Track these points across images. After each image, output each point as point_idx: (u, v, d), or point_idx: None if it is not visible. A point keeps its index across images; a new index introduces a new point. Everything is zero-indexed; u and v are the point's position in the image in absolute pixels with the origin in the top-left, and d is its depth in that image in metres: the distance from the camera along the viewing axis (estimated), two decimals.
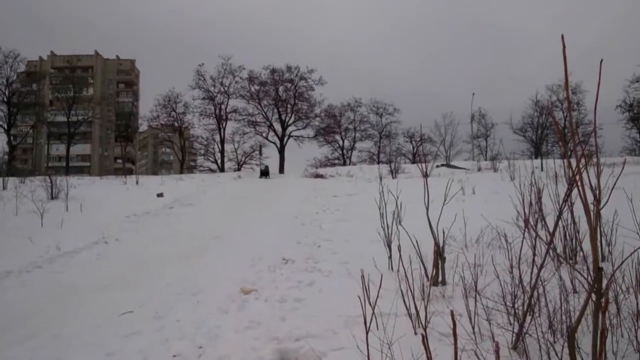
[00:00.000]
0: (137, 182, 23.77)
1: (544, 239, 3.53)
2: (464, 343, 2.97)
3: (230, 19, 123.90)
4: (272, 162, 46.96)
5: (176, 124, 48.99)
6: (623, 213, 4.76)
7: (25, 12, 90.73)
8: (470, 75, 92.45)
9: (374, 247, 6.49)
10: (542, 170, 16.78)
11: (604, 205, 3.34)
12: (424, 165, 5.87)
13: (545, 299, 3.18)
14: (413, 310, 3.76)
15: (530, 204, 4.86)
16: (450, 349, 2.70)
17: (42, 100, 53.47)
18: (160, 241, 10.43)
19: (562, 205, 3.11)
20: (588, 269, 2.60)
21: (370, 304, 3.10)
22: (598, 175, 3.47)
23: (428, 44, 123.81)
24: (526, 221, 4.14)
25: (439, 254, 5.01)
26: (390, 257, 5.95)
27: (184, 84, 76.45)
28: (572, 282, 3.88)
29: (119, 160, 65.06)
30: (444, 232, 5.25)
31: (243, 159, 49.76)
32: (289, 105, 49.24)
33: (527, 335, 2.98)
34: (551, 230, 3.02)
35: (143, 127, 56.89)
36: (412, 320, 3.77)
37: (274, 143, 48.90)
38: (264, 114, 49.14)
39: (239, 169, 46.19)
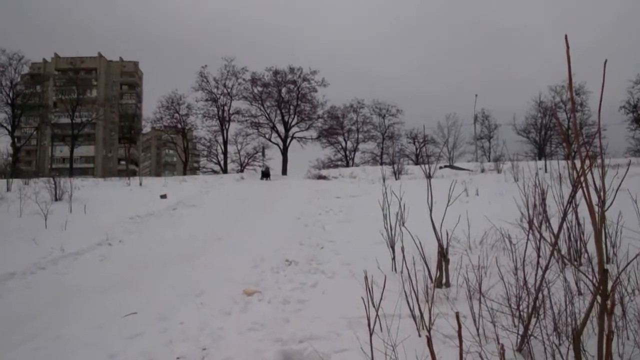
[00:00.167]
0: (140, 184, 23.82)
1: (549, 240, 3.52)
2: (468, 345, 2.96)
3: (231, 20, 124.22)
4: (275, 164, 47.04)
5: (179, 126, 49.04)
6: (628, 214, 4.75)
7: (29, 15, 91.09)
8: (472, 76, 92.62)
9: (377, 248, 6.48)
10: (545, 171, 16.71)
11: (609, 207, 3.33)
12: (427, 166, 5.86)
13: (550, 301, 3.16)
14: (417, 312, 3.75)
15: (535, 205, 4.85)
16: (454, 351, 2.69)
17: (46, 102, 53.62)
18: (164, 242, 10.44)
19: (566, 206, 3.10)
20: (593, 270, 2.58)
21: (374, 306, 3.09)
22: (602, 177, 3.46)
23: (428, 45, 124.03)
24: (530, 222, 4.13)
25: (443, 255, 5.00)
26: (393, 258, 5.94)
27: (186, 86, 76.83)
28: (577, 283, 3.86)
29: (123, 162, 65.24)
30: (447, 234, 5.24)
31: (246, 161, 49.83)
32: (291, 107, 49.23)
33: (532, 338, 2.97)
34: (555, 231, 3.01)
35: (146, 128, 57.07)
36: (416, 322, 3.76)
37: (277, 144, 48.92)
38: (266, 115, 49.20)
39: (241, 171, 46.24)
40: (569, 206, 3.15)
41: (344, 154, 52.99)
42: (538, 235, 3.63)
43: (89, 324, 5.11)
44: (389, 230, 6.09)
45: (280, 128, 49.26)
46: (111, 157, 70.92)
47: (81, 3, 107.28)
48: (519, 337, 3.05)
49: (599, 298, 2.34)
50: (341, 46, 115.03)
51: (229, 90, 48.42)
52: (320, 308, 4.79)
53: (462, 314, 3.05)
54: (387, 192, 6.12)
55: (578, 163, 2.59)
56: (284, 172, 44.94)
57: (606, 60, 2.45)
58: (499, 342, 2.96)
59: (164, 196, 18.27)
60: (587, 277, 2.73)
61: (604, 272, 2.30)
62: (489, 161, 35.56)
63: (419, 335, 3.64)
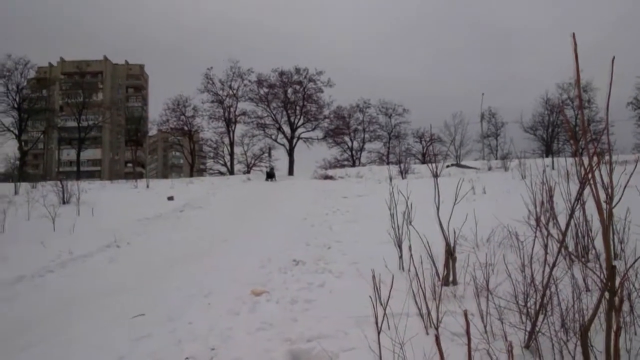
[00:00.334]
0: (147, 186, 23.94)
1: (556, 237, 3.52)
2: (476, 342, 2.97)
3: (232, 22, 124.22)
4: (282, 164, 47.15)
5: (185, 128, 49.27)
6: (635, 211, 4.73)
7: (34, 19, 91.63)
8: (477, 75, 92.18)
9: (384, 247, 6.48)
10: (553, 168, 16.67)
11: (617, 204, 3.32)
12: (434, 165, 5.86)
13: (558, 297, 3.16)
14: (425, 310, 3.75)
15: (542, 202, 4.85)
16: (462, 348, 2.70)
17: (52, 105, 54.09)
18: (171, 244, 10.48)
19: (574, 203, 3.09)
20: (601, 267, 2.58)
21: (381, 304, 3.10)
22: (610, 173, 3.44)
23: (430, 45, 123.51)
24: (538, 220, 4.13)
25: (450, 253, 5.00)
26: (400, 257, 5.94)
27: (192, 88, 76.94)
28: (584, 280, 3.86)
29: (130, 164, 65.55)
30: (454, 232, 5.24)
31: (252, 162, 50.03)
32: (297, 107, 49.31)
33: (539, 334, 2.97)
34: (563, 229, 3.00)
35: (153, 131, 57.27)
36: (423, 320, 3.77)
37: (283, 145, 49.04)
38: (272, 116, 49.29)
39: (248, 172, 46.38)
40: (577, 203, 3.15)
41: (350, 153, 52.99)
42: (545, 233, 3.62)
43: (97, 326, 5.15)
44: (396, 229, 6.09)
45: (287, 129, 49.38)
46: (118, 160, 71.24)
47: (86, 7, 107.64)
48: (527, 333, 3.05)
49: (606, 294, 2.35)
50: (342, 47, 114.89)
51: (234, 91, 48.67)
52: (328, 307, 4.80)
53: (470, 311, 3.06)
54: (394, 191, 6.13)
55: (586, 160, 2.59)
56: (291, 172, 45.02)
57: (614, 57, 2.45)
58: (506, 339, 2.96)
59: (171, 198, 18.36)
60: (595, 273, 2.72)
61: (611, 269, 2.30)
62: (496, 159, 35.41)
63: (427, 333, 3.64)
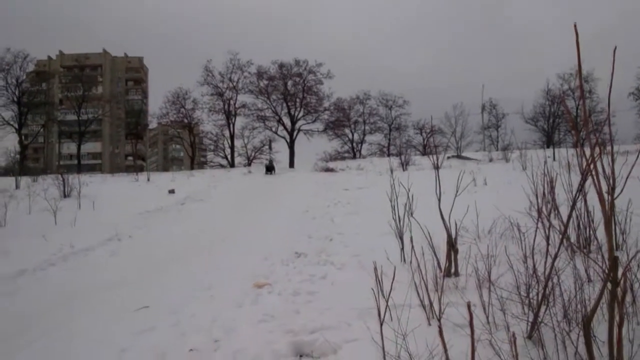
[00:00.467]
0: (148, 179, 23.96)
1: (558, 228, 3.52)
2: (478, 333, 2.97)
3: (231, 14, 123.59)
4: (282, 157, 47.06)
5: (185, 121, 49.14)
6: (637, 201, 4.73)
7: (33, 13, 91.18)
8: (477, 67, 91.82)
9: (386, 239, 6.49)
10: (554, 159, 16.65)
11: (619, 195, 3.32)
12: (434, 156, 5.85)
13: (560, 288, 3.17)
14: (427, 302, 3.76)
15: (543, 194, 4.84)
16: (464, 339, 2.70)
17: (52, 99, 53.88)
18: (173, 237, 10.51)
19: (576, 194, 3.09)
20: (603, 257, 2.58)
21: (383, 296, 3.11)
22: (612, 164, 3.44)
23: (431, 38, 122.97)
24: (539, 211, 4.13)
25: (452, 245, 5.01)
26: (402, 249, 5.95)
27: (191, 81, 76.66)
28: (586, 271, 3.86)
29: (130, 158, 65.52)
30: (456, 224, 5.24)
31: (253, 154, 49.89)
32: (297, 99, 49.14)
33: (542, 325, 2.98)
34: (565, 220, 3.00)
35: (153, 124, 57.12)
36: (425, 312, 3.78)
37: (284, 137, 48.90)
38: (273, 108, 49.12)
39: (249, 164, 46.33)
40: (579, 194, 3.15)
41: (350, 146, 52.85)
42: (547, 224, 3.62)
43: (100, 319, 5.17)
44: (398, 221, 6.10)
45: (287, 121, 49.23)
46: (118, 153, 71.19)
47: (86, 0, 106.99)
48: (529, 324, 3.06)
49: (609, 285, 2.35)
50: (342, 38, 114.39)
51: (234, 84, 48.45)
52: (330, 299, 4.82)
53: (472, 302, 3.06)
54: (394, 183, 6.12)
55: (587, 150, 2.58)
56: (291, 165, 44.95)
57: (616, 47, 2.44)
58: (509, 330, 2.97)
59: (172, 191, 18.38)
60: (597, 264, 2.73)
61: (614, 260, 2.30)
62: (497, 150, 35.38)
63: (429, 325, 3.65)
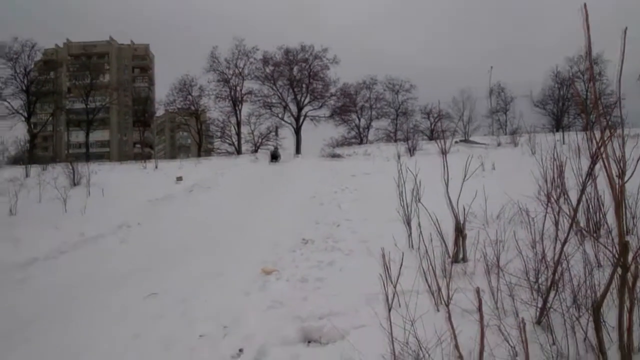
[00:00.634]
0: (156, 167, 24.03)
1: (567, 213, 3.49)
2: (487, 319, 2.96)
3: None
4: (289, 143, 47.01)
5: (192, 108, 49.18)
6: None
7: (40, 1, 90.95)
8: (484, 50, 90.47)
9: (394, 225, 6.47)
10: (563, 143, 16.48)
11: (629, 179, 3.27)
12: (442, 141, 5.80)
13: (570, 273, 3.14)
14: (435, 288, 3.76)
15: (553, 178, 4.79)
16: (473, 325, 2.70)
17: (60, 88, 53.97)
18: (181, 224, 10.56)
19: (585, 178, 3.05)
20: (613, 242, 2.56)
21: (391, 282, 3.11)
22: (622, 147, 3.38)
23: (436, 20, 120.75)
24: (548, 196, 4.09)
25: (460, 230, 4.99)
26: (410, 235, 5.93)
27: (198, 68, 76.34)
28: (596, 256, 3.83)
29: (138, 145, 65.63)
30: (464, 209, 5.21)
31: (260, 141, 49.85)
32: (304, 85, 48.98)
33: (551, 310, 2.96)
34: (574, 204, 2.97)
35: (160, 111, 57.15)
36: (434, 297, 3.77)
37: (290, 124, 48.88)
38: (279, 94, 49.04)
39: (255, 151, 46.30)
40: (588, 178, 3.11)
41: (357, 131, 52.62)
42: (556, 209, 3.59)
43: (112, 306, 5.23)
44: (405, 207, 6.07)
45: (293, 107, 49.16)
46: (126, 141, 71.34)
47: None
48: (538, 310, 3.05)
49: (619, 270, 2.33)
50: (344, 22, 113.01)
51: (240, 70, 48.36)
52: (338, 285, 4.83)
53: (481, 288, 3.05)
54: (402, 169, 6.09)
55: (597, 134, 2.54)
56: (298, 151, 44.90)
57: (626, 28, 2.39)
58: (518, 316, 2.96)
59: (179, 179, 18.43)
60: (607, 249, 2.70)
61: (624, 244, 2.28)
62: (505, 135, 35.09)
63: (437, 310, 3.65)
